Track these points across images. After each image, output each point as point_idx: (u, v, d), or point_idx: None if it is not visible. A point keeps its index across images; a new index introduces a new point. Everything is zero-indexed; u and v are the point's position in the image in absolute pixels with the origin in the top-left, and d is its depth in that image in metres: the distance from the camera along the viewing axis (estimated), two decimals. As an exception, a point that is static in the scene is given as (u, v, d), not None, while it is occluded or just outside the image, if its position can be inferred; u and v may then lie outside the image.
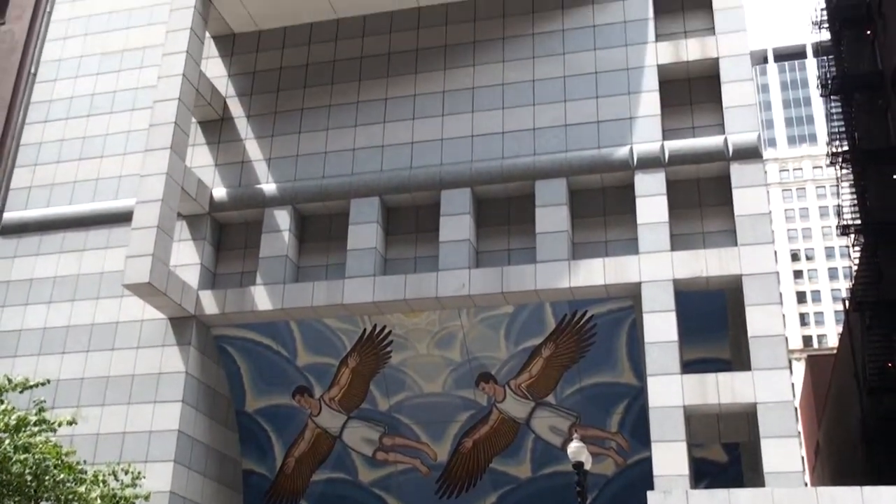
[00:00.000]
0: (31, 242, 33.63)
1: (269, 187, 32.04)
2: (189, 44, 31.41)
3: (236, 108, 33.91)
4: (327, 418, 32.20)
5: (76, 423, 21.12)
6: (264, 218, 31.75)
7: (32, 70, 37.69)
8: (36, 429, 20.22)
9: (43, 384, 20.87)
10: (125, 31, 36.76)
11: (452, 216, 30.05)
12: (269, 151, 32.80)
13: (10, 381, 20.72)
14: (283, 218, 31.52)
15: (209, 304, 30.69)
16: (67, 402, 29.27)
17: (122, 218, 32.17)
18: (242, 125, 33.59)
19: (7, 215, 34.37)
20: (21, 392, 20.88)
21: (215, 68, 34.51)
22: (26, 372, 26.70)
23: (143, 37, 36.11)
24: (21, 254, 33.55)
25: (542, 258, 28.70)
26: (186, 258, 31.63)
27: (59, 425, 20.56)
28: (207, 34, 34.09)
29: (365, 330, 30.76)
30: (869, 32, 40.20)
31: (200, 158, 33.24)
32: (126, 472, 21.36)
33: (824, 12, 44.18)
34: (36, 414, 20.27)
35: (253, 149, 33.06)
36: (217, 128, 33.75)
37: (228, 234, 32.84)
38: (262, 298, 30.38)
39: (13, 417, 19.84)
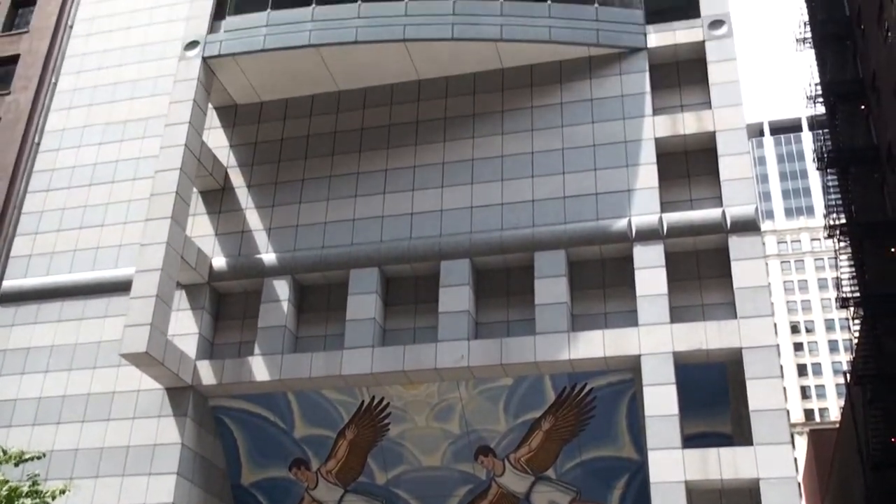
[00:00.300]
0: (29, 311, 33.53)
1: (268, 257, 32.09)
2: (192, 115, 31.78)
3: (237, 178, 34.14)
4: (324, 492, 31.72)
5: (69, 491, 20.80)
6: (263, 288, 31.72)
7: (36, 139, 38.20)
8: (28, 501, 19.93)
9: (38, 457, 20.64)
10: (129, 101, 37.22)
11: (452, 287, 30.02)
12: (270, 221, 32.94)
13: (4, 452, 20.51)
14: (282, 288, 31.50)
15: (207, 374, 30.47)
16: (61, 473, 28.81)
17: (121, 287, 32.09)
18: (243, 195, 33.77)
19: (6, 283, 34.39)
20: (16, 465, 20.64)
21: (217, 138, 34.84)
22: (21, 442, 26.46)
23: (147, 108, 36.54)
24: (19, 322, 33.43)
25: (541, 330, 28.60)
26: (185, 328, 31.51)
27: (53, 497, 20.28)
28: (210, 105, 34.48)
29: (363, 401, 30.50)
30: (863, 107, 40.71)
31: (201, 228, 33.34)
32: (119, 547, 21.00)
33: (818, 87, 44.82)
34: (29, 486, 20.00)
35: (253, 219, 33.20)
36: (218, 197, 33.93)
37: (227, 303, 32.77)
38: (259, 369, 30.17)
39: (5, 489, 19.59)
